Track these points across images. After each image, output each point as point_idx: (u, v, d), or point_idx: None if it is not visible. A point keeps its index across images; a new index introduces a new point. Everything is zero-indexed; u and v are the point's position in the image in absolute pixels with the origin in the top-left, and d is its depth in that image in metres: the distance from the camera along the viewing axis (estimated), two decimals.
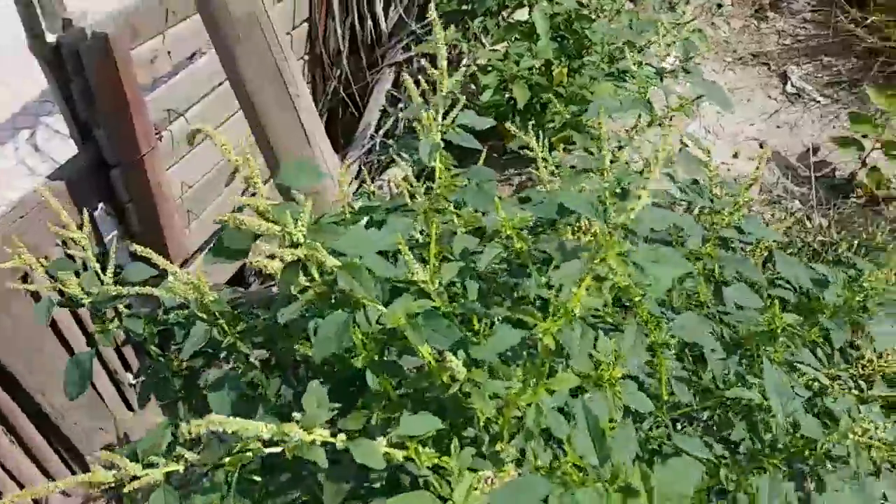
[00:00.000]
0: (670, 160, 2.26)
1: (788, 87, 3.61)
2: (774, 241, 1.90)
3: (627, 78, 2.19)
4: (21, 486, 2.46)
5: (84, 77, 2.02)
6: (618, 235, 0.92)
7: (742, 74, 3.68)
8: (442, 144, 1.19)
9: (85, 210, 1.56)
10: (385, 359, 1.06)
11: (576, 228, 1.18)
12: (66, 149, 2.36)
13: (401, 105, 3.09)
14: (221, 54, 1.96)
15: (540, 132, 1.73)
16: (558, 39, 2.89)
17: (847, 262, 1.69)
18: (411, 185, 1.37)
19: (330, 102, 3.15)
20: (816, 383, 1.31)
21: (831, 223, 3.02)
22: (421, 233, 1.32)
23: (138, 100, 2.18)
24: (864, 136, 3.24)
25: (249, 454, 1.02)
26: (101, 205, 2.38)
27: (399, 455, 0.86)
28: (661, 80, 2.29)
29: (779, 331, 1.33)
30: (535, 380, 0.91)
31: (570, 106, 2.72)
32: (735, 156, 3.34)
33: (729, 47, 3.84)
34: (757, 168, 1.66)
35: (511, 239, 1.15)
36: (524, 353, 1.08)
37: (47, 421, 2.40)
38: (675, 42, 2.43)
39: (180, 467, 1.01)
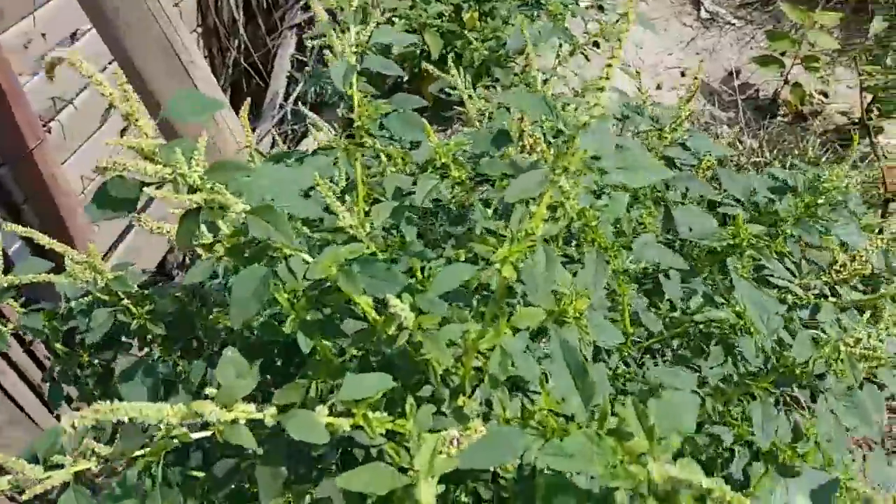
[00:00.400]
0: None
1: (702, 13, 3.54)
2: (717, 158, 1.82)
3: (543, 5, 2.06)
4: None
5: None
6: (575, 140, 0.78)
7: (655, 4, 3.60)
8: (358, 67, 1.02)
9: None
10: (320, 318, 0.90)
11: (520, 149, 1.03)
12: None
13: (307, 69, 2.87)
14: (101, 30, 1.75)
15: (461, 70, 1.58)
16: None
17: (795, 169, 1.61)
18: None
19: (232, 75, 2.89)
20: (790, 296, 1.21)
21: (762, 143, 2.98)
22: (347, 180, 1.15)
23: (15, 90, 1.95)
24: (783, 54, 3.20)
25: (173, 442, 0.85)
26: None
27: (345, 424, 0.70)
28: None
29: (745, 243, 1.22)
30: (495, 319, 0.77)
31: (487, 43, 2.58)
32: (658, 87, 3.26)
33: None
34: (695, 79, 1.55)
35: (447, 167, 1.00)
36: (474, 299, 0.94)
37: None
38: None
39: (91, 464, 0.84)
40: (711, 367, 1.12)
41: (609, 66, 0.72)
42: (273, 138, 2.86)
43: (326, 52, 1.08)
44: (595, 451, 0.63)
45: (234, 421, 0.67)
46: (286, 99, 2.94)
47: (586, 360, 1.05)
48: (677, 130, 1.52)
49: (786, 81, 3.15)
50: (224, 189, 0.84)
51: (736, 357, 1.11)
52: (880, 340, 0.98)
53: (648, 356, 1.39)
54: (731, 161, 2.92)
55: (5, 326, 1.31)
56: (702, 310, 1.19)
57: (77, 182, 2.43)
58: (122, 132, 0.99)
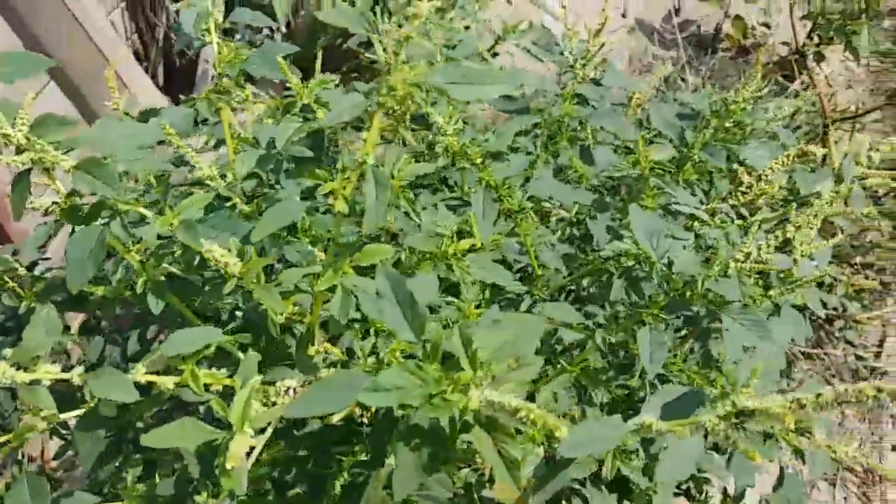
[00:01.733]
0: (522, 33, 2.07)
1: None
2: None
3: None
4: None
5: None
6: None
7: None
8: (215, 14, 0.94)
9: None
10: (173, 276, 0.83)
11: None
12: None
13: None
14: None
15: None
16: None
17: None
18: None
19: (165, 50, 2.78)
20: (696, 222, 1.16)
21: (704, 79, 2.91)
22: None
23: None
24: None
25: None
26: None
27: (168, 382, 0.64)
28: None
29: (647, 171, 1.16)
30: (336, 258, 0.71)
31: None
32: (599, 31, 3.17)
33: None
34: (603, 10, 1.48)
35: (310, 108, 0.93)
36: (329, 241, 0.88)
37: None
38: None
39: None
40: (615, 301, 1.07)
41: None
42: None
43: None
44: (418, 383, 0.57)
45: (35, 381, 0.61)
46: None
47: (481, 305, 1.00)
48: (587, 66, 1.45)
49: (726, 15, 3.07)
50: (49, 147, 0.77)
51: (638, 288, 1.05)
52: (769, 253, 0.92)
53: (565, 298, 1.34)
54: (674, 100, 2.86)
55: None
56: (607, 245, 1.13)
57: None
58: None
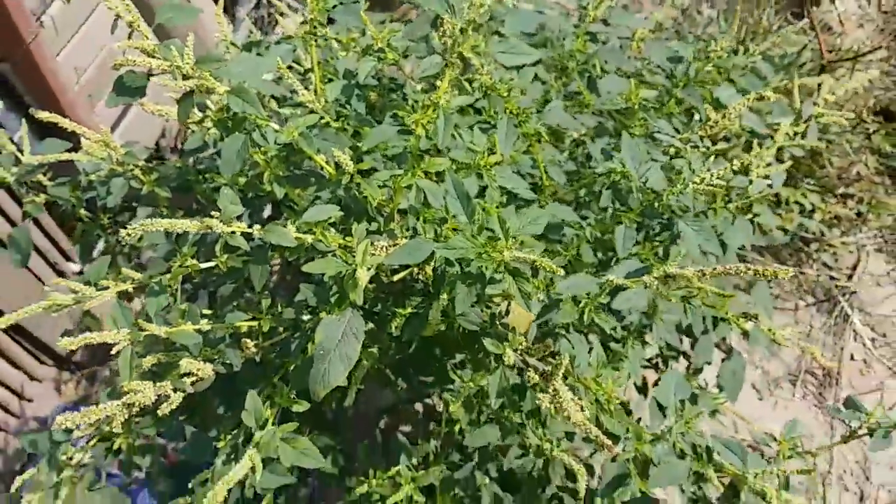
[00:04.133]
0: None
1: None
2: (651, 31, 2.09)
3: None
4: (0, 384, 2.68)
5: None
6: (474, 32, 1.09)
7: None
8: None
9: None
10: (289, 173, 1.24)
11: (441, 34, 1.33)
12: None
13: None
14: None
15: None
16: None
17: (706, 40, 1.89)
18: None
19: None
20: (672, 149, 1.55)
21: (719, 13, 3.22)
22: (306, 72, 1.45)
23: None
24: None
25: (189, 265, 1.22)
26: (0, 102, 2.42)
27: (308, 238, 1.06)
28: None
29: (636, 105, 1.54)
30: (412, 165, 1.11)
31: None
32: None
33: None
34: None
35: (383, 51, 1.31)
36: (407, 153, 1.27)
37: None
38: None
39: (129, 286, 1.20)
40: (604, 208, 1.47)
41: None
42: (251, 23, 3.11)
43: None
44: (471, 245, 0.99)
45: (233, 232, 1.02)
46: None
47: (502, 205, 1.41)
48: (598, 8, 1.80)
49: None
50: (208, 75, 1.15)
51: (622, 198, 1.45)
52: (719, 178, 1.31)
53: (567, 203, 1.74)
54: (690, 33, 3.17)
55: (38, 197, 1.65)
56: (601, 164, 1.53)
57: (71, 72, 2.69)
58: (112, 27, 1.28)
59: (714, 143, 1.55)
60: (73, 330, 2.91)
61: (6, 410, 2.76)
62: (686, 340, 1.97)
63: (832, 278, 3.08)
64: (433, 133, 1.08)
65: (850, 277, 3.10)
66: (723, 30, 3.29)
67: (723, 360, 1.80)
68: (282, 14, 1.68)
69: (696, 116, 1.71)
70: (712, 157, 1.37)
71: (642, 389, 2.03)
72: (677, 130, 1.58)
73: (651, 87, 1.70)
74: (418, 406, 2.23)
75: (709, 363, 1.88)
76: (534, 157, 1.50)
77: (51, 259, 2.79)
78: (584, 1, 1.82)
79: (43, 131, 2.26)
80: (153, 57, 1.15)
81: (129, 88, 1.16)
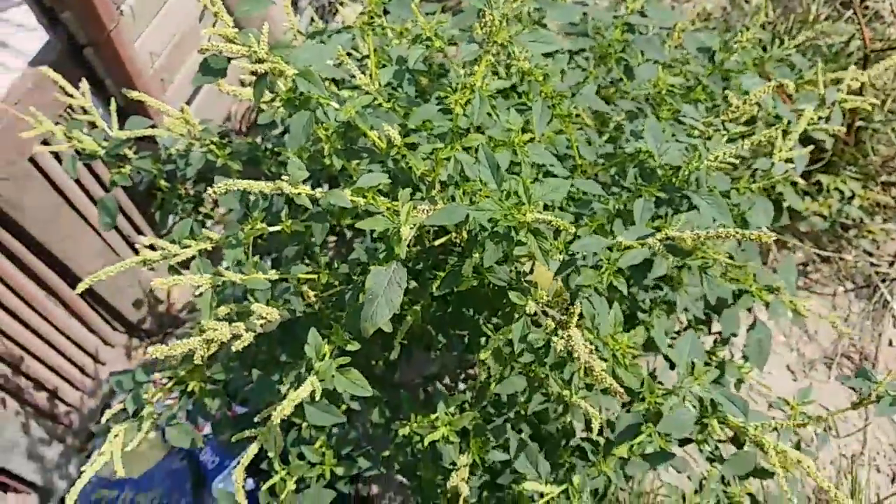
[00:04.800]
0: None
1: None
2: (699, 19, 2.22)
3: None
4: (76, 344, 2.96)
5: None
6: (508, 23, 1.26)
7: None
8: None
9: (79, 82, 1.86)
10: (346, 147, 1.43)
11: (483, 24, 1.50)
12: (31, 41, 2.62)
13: None
14: None
15: None
16: None
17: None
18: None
19: None
20: (696, 131, 1.69)
21: (767, 2, 3.30)
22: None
23: None
24: None
25: (259, 228, 1.43)
26: (82, 82, 2.67)
27: (360, 201, 1.25)
28: None
29: (664, 91, 1.69)
30: (453, 139, 1.29)
31: None
32: None
33: None
34: None
35: (430, 39, 1.49)
36: (448, 130, 1.45)
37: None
38: None
39: (208, 245, 1.41)
40: (631, 184, 1.63)
41: None
42: (312, 11, 3.34)
43: None
44: (499, 208, 1.17)
45: (299, 193, 1.22)
46: None
47: (537, 179, 1.58)
48: (637, 1, 1.94)
49: None
50: (280, 60, 1.35)
51: (647, 175, 1.61)
52: (731, 157, 1.46)
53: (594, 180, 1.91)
54: (738, 23, 3.26)
55: (123, 168, 1.89)
56: (629, 144, 1.68)
57: (147, 57, 2.95)
58: (200, 16, 1.49)
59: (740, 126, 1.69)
60: (142, 300, 3.20)
61: (83, 371, 3.05)
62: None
63: (872, 265, 3.16)
64: (470, 112, 1.26)
65: (891, 265, 3.17)
66: (769, 19, 3.38)
67: (748, 330, 1.94)
68: (342, 3, 1.88)
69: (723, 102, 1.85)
70: (737, 139, 1.51)
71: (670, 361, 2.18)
72: (702, 115, 1.73)
73: (681, 75, 1.85)
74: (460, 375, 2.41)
75: (735, 335, 2.02)
76: (568, 138, 1.66)
77: (124, 233, 3.07)
78: None
79: (120, 111, 2.52)
80: (234, 43, 1.35)
81: (213, 69, 1.37)
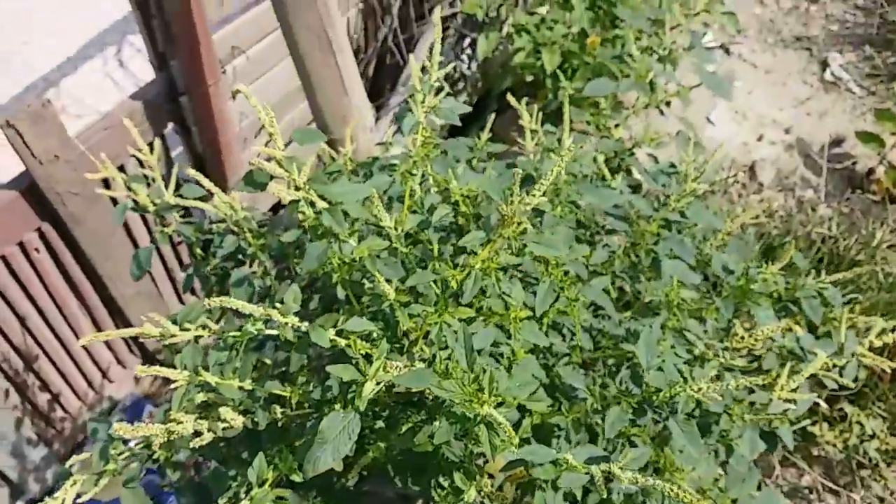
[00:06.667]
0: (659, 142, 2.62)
1: (827, 75, 3.84)
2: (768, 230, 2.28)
3: (630, 60, 2.55)
4: (90, 356, 3.12)
5: (163, 14, 2.51)
6: (519, 216, 1.36)
7: (782, 57, 3.92)
8: (423, 122, 1.63)
9: (155, 136, 2.05)
10: (353, 279, 1.54)
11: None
12: (146, 66, 2.87)
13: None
14: (275, 5, 2.43)
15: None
16: (595, 10, 3.22)
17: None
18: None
19: (380, 49, 3.57)
20: (697, 350, 1.74)
21: (835, 216, 3.33)
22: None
23: (208, 37, 2.66)
24: (892, 133, 3.48)
25: (254, 329, 1.53)
26: (171, 124, 2.91)
27: (342, 342, 1.35)
28: (667, 65, 2.65)
29: (674, 302, 1.75)
30: (442, 308, 1.38)
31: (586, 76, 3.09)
32: (759, 139, 3.64)
33: (774, 27, 4.06)
34: (705, 161, 2.04)
35: (458, 204, 1.61)
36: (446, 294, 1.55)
37: (115, 305, 3.02)
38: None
39: (205, 334, 1.52)
40: (620, 384, 1.68)
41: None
42: (395, 111, 3.56)
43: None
44: (460, 392, 1.24)
45: (286, 323, 1.32)
46: None
47: (533, 351, 1.64)
48: (680, 201, 2.02)
49: (882, 161, 3.45)
50: (314, 193, 1.48)
51: (637, 378, 1.65)
52: (714, 391, 1.49)
53: (595, 366, 1.96)
54: (800, 227, 3.29)
55: (167, 229, 2.04)
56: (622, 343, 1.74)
57: (236, 116, 3.18)
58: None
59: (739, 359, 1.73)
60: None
61: (90, 384, 3.20)
62: None
63: (881, 499, 3.05)
64: (464, 287, 1.36)
65: None
66: (830, 233, 3.39)
67: None
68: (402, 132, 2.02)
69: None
70: (734, 370, 1.55)
71: None
72: (706, 333, 1.78)
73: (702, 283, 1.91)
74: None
75: None
76: (573, 322, 1.73)
77: (168, 265, 3.25)
78: (669, 190, 2.05)
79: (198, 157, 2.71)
80: (279, 165, 1.49)
81: (255, 182, 1.51)
